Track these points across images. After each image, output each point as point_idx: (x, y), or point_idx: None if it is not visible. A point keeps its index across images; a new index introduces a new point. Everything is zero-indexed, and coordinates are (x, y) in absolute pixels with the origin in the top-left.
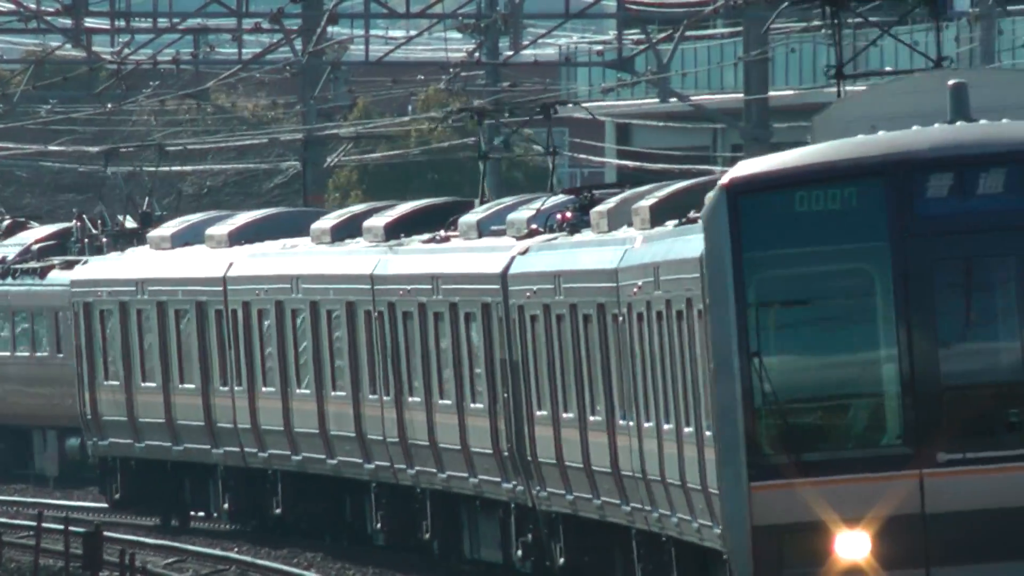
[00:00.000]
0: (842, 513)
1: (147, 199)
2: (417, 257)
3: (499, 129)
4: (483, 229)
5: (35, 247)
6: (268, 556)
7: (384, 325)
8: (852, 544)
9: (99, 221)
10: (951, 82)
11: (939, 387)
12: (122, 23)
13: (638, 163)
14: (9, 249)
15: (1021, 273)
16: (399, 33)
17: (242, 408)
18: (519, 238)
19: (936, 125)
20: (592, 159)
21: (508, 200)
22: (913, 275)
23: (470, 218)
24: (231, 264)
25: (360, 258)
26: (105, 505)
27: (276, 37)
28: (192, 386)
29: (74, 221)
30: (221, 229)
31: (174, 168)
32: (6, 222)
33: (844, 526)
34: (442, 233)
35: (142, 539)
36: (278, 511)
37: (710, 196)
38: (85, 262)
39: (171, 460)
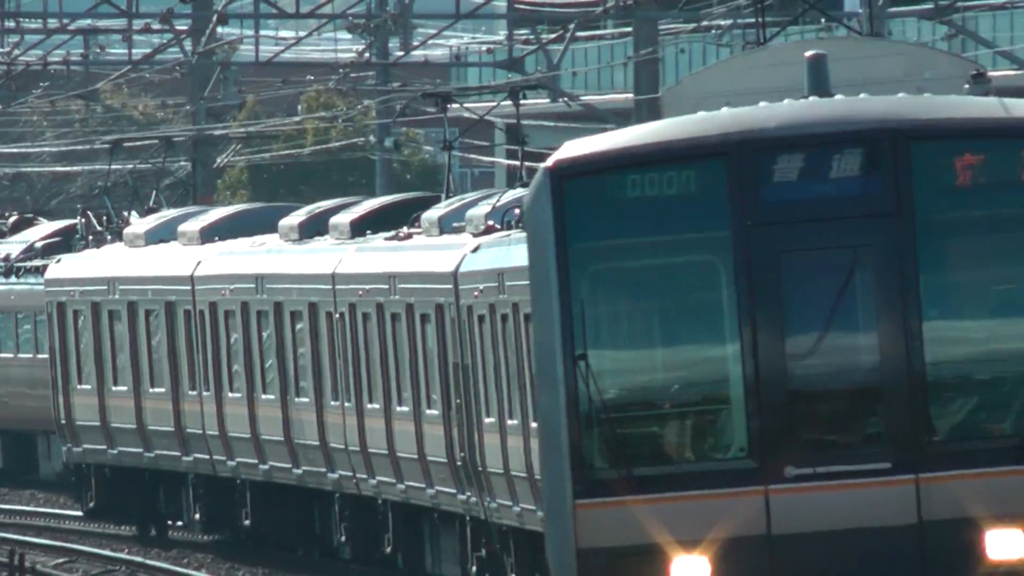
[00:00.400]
0: (679, 535)
1: (154, 193)
2: (377, 255)
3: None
4: (444, 226)
5: (39, 244)
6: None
7: (345, 327)
8: (690, 569)
9: (104, 217)
10: (808, 53)
11: (787, 393)
12: (12, 23)
13: (529, 163)
14: (13, 246)
15: (877, 264)
16: (289, 33)
17: (210, 414)
18: (476, 235)
19: (786, 101)
20: (483, 159)
21: (471, 195)
22: (757, 268)
23: (432, 214)
24: (199, 262)
25: (323, 256)
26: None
27: (166, 37)
28: (162, 390)
29: (79, 218)
30: (193, 225)
31: (62, 168)
32: (12, 218)
33: (681, 549)
34: (405, 230)
35: (31, 539)
36: (247, 522)
37: (533, 180)
38: (58, 260)
39: (143, 467)
